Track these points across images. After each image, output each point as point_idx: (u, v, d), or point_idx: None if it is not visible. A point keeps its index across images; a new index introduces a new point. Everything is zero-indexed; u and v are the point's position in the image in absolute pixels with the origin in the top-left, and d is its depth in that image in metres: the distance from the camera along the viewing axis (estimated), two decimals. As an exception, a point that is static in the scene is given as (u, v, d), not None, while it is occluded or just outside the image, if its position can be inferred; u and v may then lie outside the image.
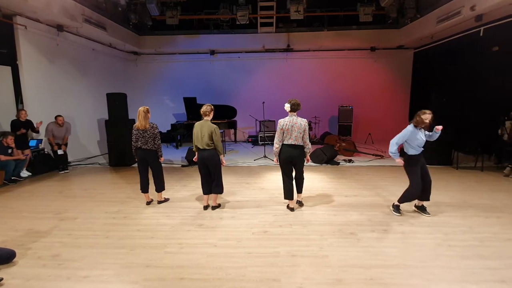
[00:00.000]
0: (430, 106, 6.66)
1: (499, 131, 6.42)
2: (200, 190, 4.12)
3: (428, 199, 3.81)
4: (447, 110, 6.49)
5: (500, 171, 5.83)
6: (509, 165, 5.61)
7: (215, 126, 3.82)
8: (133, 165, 6.90)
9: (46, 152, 6.43)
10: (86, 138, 7.94)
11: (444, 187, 4.97)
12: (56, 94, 6.94)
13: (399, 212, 3.82)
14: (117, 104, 6.90)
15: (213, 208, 4.09)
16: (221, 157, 3.96)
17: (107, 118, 6.98)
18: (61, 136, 6.31)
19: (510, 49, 6.64)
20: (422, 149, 3.67)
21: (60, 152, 6.27)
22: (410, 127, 3.65)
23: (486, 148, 6.62)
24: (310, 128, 9.45)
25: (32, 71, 6.33)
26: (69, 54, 7.42)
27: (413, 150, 3.66)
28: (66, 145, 6.40)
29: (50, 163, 6.37)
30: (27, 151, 5.83)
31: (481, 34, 6.67)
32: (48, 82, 6.76)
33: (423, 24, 8.05)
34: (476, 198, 4.39)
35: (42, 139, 6.38)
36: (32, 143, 6.20)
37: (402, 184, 5.11)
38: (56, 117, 6.21)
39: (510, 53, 6.66)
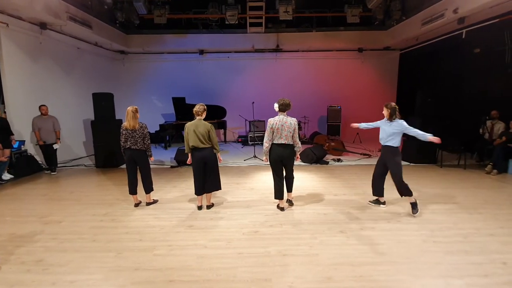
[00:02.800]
0: (415, 106, 6.92)
1: (481, 130, 6.66)
2: (189, 191, 4.09)
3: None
4: (431, 110, 6.67)
5: (482, 168, 6.04)
6: (490, 163, 5.82)
7: (210, 124, 3.84)
8: (121, 167, 6.77)
9: (29, 154, 6.23)
10: (72, 139, 7.72)
11: (429, 184, 5.11)
12: (39, 93, 6.71)
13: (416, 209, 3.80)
14: (103, 104, 6.76)
15: (208, 207, 4.09)
16: (218, 154, 3.99)
17: (93, 118, 6.83)
18: (48, 129, 6.08)
19: (490, 51, 6.89)
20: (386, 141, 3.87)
21: (56, 146, 6.19)
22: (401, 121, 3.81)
23: (469, 146, 6.84)
24: (299, 128, 9.52)
25: (14, 70, 6.10)
26: (53, 52, 7.20)
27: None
28: (59, 139, 6.30)
29: (33, 166, 6.18)
30: (7, 152, 5.60)
31: (463, 36, 6.89)
32: (31, 82, 6.54)
33: (409, 26, 8.24)
34: (460, 195, 4.53)
35: (24, 141, 6.18)
36: (15, 144, 5.98)
37: (389, 182, 5.23)
38: (39, 107, 6.02)
39: (490, 55, 6.92)
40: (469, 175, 5.74)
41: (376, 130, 4.11)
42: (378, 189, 4.08)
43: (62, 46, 7.48)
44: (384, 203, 4.11)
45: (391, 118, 3.82)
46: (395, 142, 3.79)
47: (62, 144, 6.88)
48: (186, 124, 3.85)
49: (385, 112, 3.88)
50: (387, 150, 3.86)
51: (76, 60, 8.11)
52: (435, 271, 2.56)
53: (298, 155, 3.97)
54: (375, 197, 4.15)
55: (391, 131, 3.79)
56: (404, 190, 3.78)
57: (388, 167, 3.89)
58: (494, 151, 5.86)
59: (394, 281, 2.43)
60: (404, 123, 3.79)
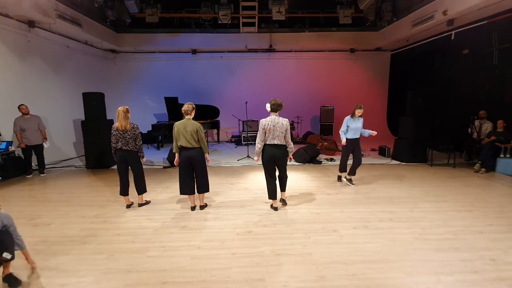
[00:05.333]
0: (406, 106, 7.04)
1: (469, 130, 6.80)
2: (183, 192, 4.04)
3: (353, 174, 5.09)
4: (422, 109, 6.79)
5: (471, 167, 6.17)
6: (479, 162, 5.95)
7: (199, 124, 3.78)
8: (112, 167, 6.68)
9: (16, 155, 6.08)
10: (61, 140, 7.57)
11: (420, 183, 5.19)
12: (28, 93, 6.56)
13: (341, 181, 5.26)
14: (94, 104, 6.65)
15: (202, 207, 4.06)
16: (206, 155, 3.93)
17: (83, 118, 6.71)
18: (33, 129, 5.89)
19: (478, 52, 7.04)
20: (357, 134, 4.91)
21: (45, 145, 6.09)
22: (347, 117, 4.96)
23: (458, 146, 6.99)
24: (292, 128, 9.57)
25: (1, 69, 5.95)
26: (42, 51, 7.05)
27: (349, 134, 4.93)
28: (46, 138, 6.17)
29: (21, 167, 6.03)
30: None
31: (452, 38, 7.03)
32: (19, 81, 6.39)
33: (399, 27, 8.36)
34: (450, 194, 4.61)
35: (12, 141, 6.03)
36: (2, 145, 5.83)
37: (381, 181, 5.31)
38: (19, 107, 5.77)
39: (478, 56, 7.07)
40: (458, 173, 5.85)
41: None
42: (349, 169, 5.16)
43: (51, 45, 7.33)
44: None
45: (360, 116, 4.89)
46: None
47: (52, 144, 6.75)
48: (175, 123, 3.79)
49: (361, 111, 4.81)
50: (357, 141, 4.96)
51: (66, 59, 7.96)
52: (427, 268, 2.60)
53: (291, 155, 3.99)
54: (349, 177, 5.14)
55: (359, 125, 4.89)
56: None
57: (357, 153, 4.94)
58: (482, 150, 5.99)
59: (387, 278, 2.46)
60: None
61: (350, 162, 5.05)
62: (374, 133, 4.92)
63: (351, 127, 4.89)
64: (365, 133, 4.96)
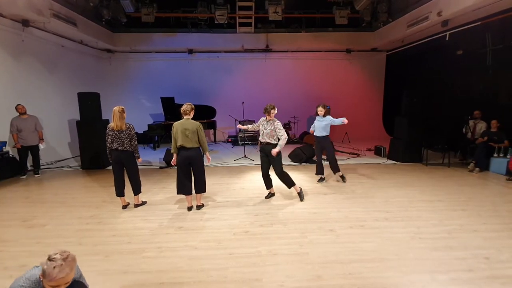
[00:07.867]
0: (402, 106, 7.09)
1: (464, 130, 6.87)
2: (179, 192, 4.03)
3: (338, 171, 5.33)
4: (417, 109, 6.84)
5: (465, 167, 6.24)
6: (473, 161, 6.02)
7: (198, 123, 3.80)
8: (107, 168, 6.63)
9: (10, 155, 6.01)
10: (56, 140, 7.50)
11: (416, 182, 5.24)
12: (22, 93, 6.48)
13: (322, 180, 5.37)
14: (89, 104, 6.60)
15: (198, 207, 4.06)
16: (207, 154, 3.95)
17: (78, 118, 6.66)
18: (29, 130, 5.82)
19: (472, 52, 7.12)
20: (321, 133, 5.14)
21: (41, 146, 6.05)
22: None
23: (453, 145, 7.05)
24: (289, 128, 9.60)
25: (-6, 68, 5.89)
26: (36, 51, 6.97)
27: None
28: (43, 139, 6.13)
29: (15, 167, 5.97)
30: None
31: (447, 38, 7.10)
32: (13, 81, 6.31)
33: (395, 28, 8.42)
34: (444, 193, 4.66)
35: (6, 142, 5.96)
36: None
37: (377, 180, 5.35)
38: (16, 107, 5.72)
39: (472, 57, 7.15)
40: (453, 173, 5.91)
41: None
42: (322, 169, 5.35)
43: (45, 44, 7.26)
44: (325, 178, 5.40)
45: (325, 115, 5.14)
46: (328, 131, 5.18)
47: (47, 145, 6.68)
48: (174, 123, 3.79)
49: (323, 111, 5.06)
50: (324, 139, 5.16)
51: (61, 59, 7.89)
52: (422, 266, 2.63)
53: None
54: (319, 177, 5.38)
55: (323, 124, 5.10)
56: (337, 166, 5.27)
57: (328, 152, 5.18)
58: (476, 149, 6.05)
59: (383, 277, 2.48)
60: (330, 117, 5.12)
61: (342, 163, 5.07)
62: (346, 121, 4.97)
63: (316, 126, 5.23)
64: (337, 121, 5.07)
